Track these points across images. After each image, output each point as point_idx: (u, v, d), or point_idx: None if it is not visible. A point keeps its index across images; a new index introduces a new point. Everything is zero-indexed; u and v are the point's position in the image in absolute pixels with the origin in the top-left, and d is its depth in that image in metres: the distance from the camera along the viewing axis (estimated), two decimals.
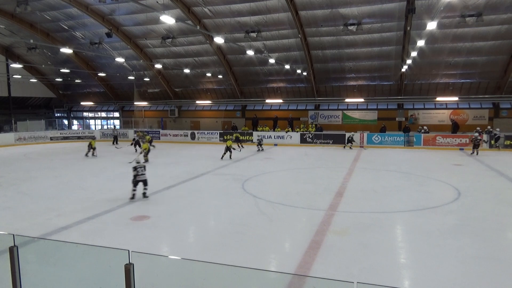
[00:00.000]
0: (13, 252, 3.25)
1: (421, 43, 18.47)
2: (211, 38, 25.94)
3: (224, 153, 20.29)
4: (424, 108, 29.54)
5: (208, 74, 30.53)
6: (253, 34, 25.09)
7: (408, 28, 22.54)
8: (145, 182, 11.63)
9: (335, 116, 31.39)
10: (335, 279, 4.60)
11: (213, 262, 4.08)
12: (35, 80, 34.90)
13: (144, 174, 11.59)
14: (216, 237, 8.48)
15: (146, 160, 19.01)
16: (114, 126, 35.14)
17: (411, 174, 15.95)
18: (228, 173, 16.18)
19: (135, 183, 11.50)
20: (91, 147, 22.02)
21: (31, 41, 23.07)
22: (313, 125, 30.23)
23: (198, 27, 21.56)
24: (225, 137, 20.04)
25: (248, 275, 4.18)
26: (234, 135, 26.87)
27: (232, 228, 9.02)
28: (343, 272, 6.56)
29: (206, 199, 11.95)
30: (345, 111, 31.13)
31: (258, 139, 25.09)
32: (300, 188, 13.30)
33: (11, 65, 30.66)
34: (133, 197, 11.51)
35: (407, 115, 29.67)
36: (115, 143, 27.36)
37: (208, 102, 34.44)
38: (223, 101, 33.93)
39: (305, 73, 28.12)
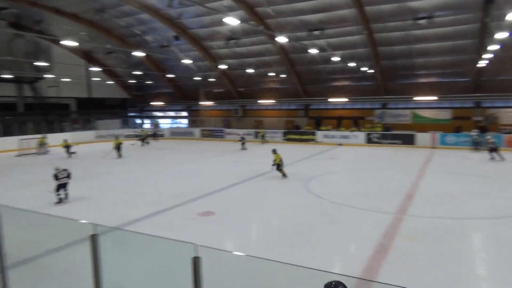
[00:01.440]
0: (94, 240, 3.53)
1: (502, 35, 16.86)
2: (273, 38, 26.04)
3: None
4: (507, 107, 26.93)
5: (271, 74, 30.67)
6: (316, 32, 24.73)
7: (487, 19, 20.72)
8: (65, 186, 11.36)
9: (404, 115, 29.87)
10: None
11: (277, 260, 4.07)
12: (112, 82, 37.63)
13: (65, 177, 11.36)
14: (278, 236, 8.48)
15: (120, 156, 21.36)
16: (143, 130, 34.61)
17: (490, 178, 14.66)
18: (291, 173, 16.10)
19: (58, 187, 11.21)
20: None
21: (108, 46, 24.85)
22: (380, 125, 29.04)
23: (261, 27, 21.78)
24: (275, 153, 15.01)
25: (312, 275, 4.11)
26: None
27: (295, 228, 8.97)
28: (415, 280, 6.21)
29: (270, 198, 12.02)
30: (415, 110, 29.49)
31: (241, 137, 25.78)
32: (366, 189, 12.84)
33: (91, 69, 33.36)
34: (59, 202, 11.20)
35: (486, 114, 27.32)
36: (142, 142, 29.09)
37: (271, 101, 34.63)
38: (286, 100, 33.89)
39: (371, 71, 27.11)
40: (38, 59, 28.04)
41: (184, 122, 40.82)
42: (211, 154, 23.40)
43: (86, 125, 33.85)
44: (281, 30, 25.52)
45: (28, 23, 29.98)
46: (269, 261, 4.60)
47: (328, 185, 14.06)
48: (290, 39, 22.63)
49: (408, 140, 25.23)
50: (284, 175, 14.73)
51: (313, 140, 28.31)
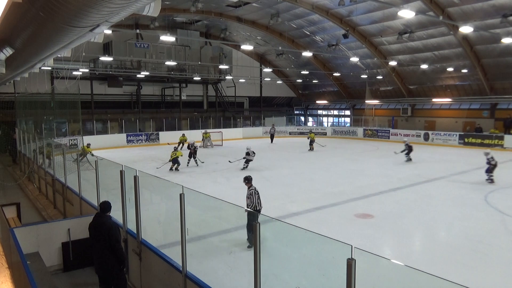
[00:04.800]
0: (256, 227, 3.81)
1: None
2: (455, 28, 23.12)
3: None
4: None
5: (449, 69, 27.39)
6: None
7: None
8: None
9: None
10: None
11: (443, 278, 3.60)
12: (280, 82, 40.04)
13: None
14: (447, 251, 7.54)
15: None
16: (273, 125, 32.32)
17: None
18: (468, 181, 14.10)
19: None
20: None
21: (280, 48, 26.29)
22: None
23: (441, 18, 19.59)
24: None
25: None
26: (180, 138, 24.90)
27: (469, 245, 7.82)
28: None
29: (438, 207, 10.78)
30: None
31: (248, 151, 17.42)
32: None
33: (263, 70, 36.19)
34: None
35: None
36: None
37: (447, 100, 30.94)
38: (466, 98, 29.72)
39: None
40: (221, 63, 31.99)
41: (347, 121, 40.39)
42: (374, 155, 22.46)
43: (256, 121, 36.99)
44: (466, 19, 22.41)
45: (215, 32, 34.52)
46: (434, 278, 4.11)
47: None
48: (478, 28, 19.70)
49: None
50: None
51: (500, 145, 24.09)
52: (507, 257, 7.21)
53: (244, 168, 16.90)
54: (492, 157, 13.90)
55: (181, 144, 24.22)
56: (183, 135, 25.52)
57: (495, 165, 13.85)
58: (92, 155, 16.45)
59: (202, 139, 26.59)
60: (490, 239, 8.10)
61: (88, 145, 19.11)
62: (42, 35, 5.12)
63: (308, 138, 24.77)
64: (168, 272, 5.37)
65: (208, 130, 28.41)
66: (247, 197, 7.91)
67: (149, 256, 5.89)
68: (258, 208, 7.82)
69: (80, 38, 5.76)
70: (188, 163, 18.02)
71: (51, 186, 11.89)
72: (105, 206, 5.76)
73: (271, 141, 29.59)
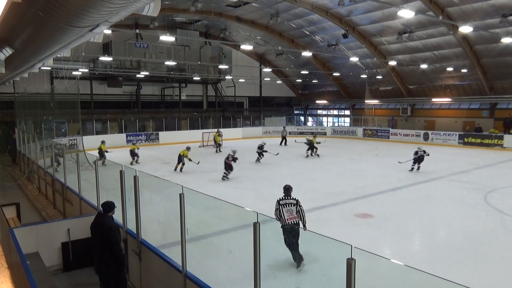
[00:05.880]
0: (256, 227, 3.80)
1: None
2: (455, 28, 23.13)
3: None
4: None
5: (449, 69, 27.40)
6: None
7: None
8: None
9: None
10: None
11: (443, 277, 3.60)
12: (280, 82, 40.04)
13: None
14: (446, 251, 7.54)
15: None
16: (284, 127, 30.46)
17: None
18: (467, 181, 14.11)
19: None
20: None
21: (279, 48, 26.22)
22: None
23: (441, 17, 19.61)
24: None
25: None
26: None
27: (468, 244, 7.82)
28: None
29: (438, 207, 10.79)
30: None
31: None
32: None
33: (263, 70, 36.20)
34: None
35: None
36: (283, 144, 27.25)
37: (446, 100, 30.96)
38: (466, 98, 29.73)
39: None
40: (221, 63, 31.98)
41: (346, 121, 40.41)
42: (373, 154, 22.45)
43: (255, 121, 37.00)
44: (466, 18, 22.43)
45: (215, 32, 34.51)
46: (434, 277, 4.11)
47: None
48: (477, 28, 19.68)
49: None
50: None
51: (499, 145, 24.10)
52: (507, 257, 7.21)
53: (257, 161, 18.79)
54: (416, 151, 16.08)
55: (218, 147, 23.92)
56: (219, 133, 24.66)
57: (422, 156, 15.71)
58: (106, 151, 17.98)
59: (215, 139, 25.35)
60: (490, 239, 8.11)
61: (103, 142, 18.66)
62: (42, 35, 5.11)
63: (308, 141, 21.10)
64: (168, 272, 5.37)
65: (208, 130, 28.31)
66: None
67: (149, 256, 5.88)
68: (283, 224, 6.90)
69: (79, 38, 5.76)
70: (224, 176, 14.79)
71: (51, 186, 11.88)
72: (106, 207, 5.76)
73: (285, 143, 27.40)
